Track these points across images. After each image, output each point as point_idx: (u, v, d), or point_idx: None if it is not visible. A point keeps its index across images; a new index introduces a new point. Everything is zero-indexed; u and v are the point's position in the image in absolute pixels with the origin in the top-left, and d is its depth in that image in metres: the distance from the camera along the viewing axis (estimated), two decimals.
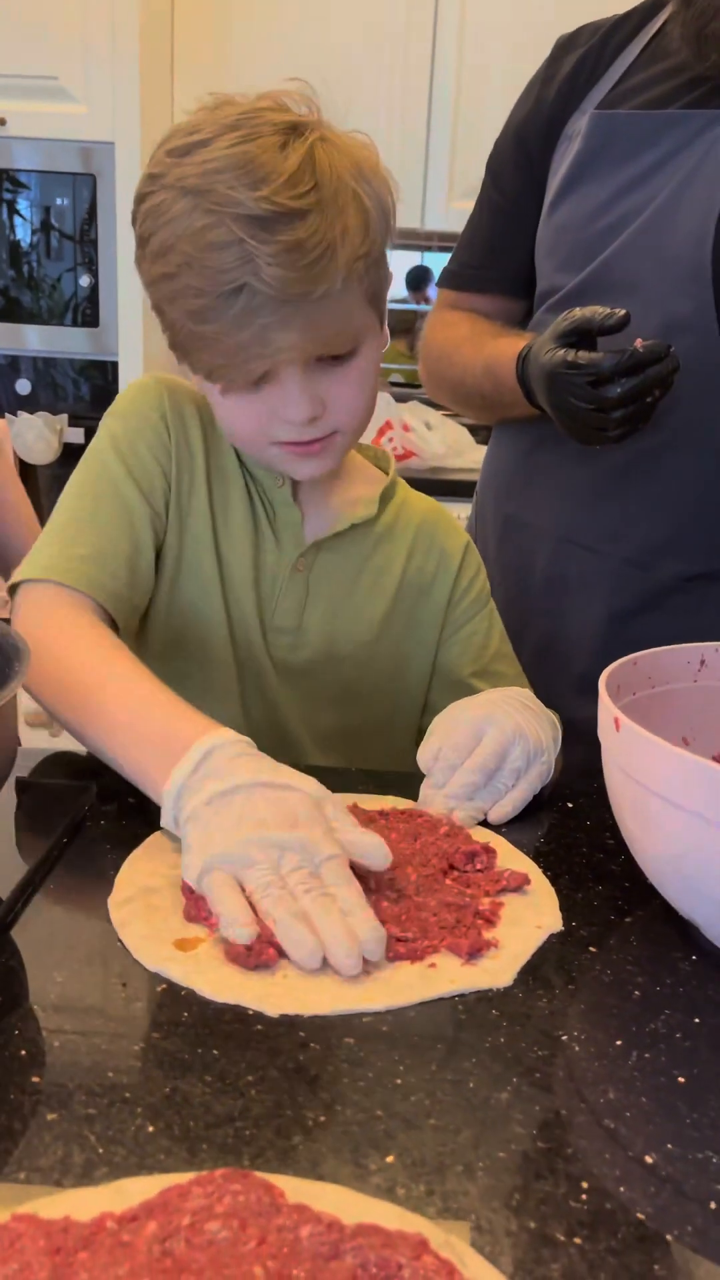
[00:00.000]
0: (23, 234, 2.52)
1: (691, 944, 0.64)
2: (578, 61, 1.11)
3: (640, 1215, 0.44)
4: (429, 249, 3.17)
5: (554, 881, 0.69)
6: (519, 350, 1.03)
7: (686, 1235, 0.43)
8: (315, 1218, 0.42)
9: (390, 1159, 0.46)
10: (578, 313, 0.95)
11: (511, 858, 0.71)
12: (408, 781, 0.80)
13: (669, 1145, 0.48)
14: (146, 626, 0.89)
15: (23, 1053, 0.51)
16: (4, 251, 2.52)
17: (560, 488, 1.13)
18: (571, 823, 0.79)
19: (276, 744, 0.77)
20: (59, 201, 2.42)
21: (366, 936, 0.57)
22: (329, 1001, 0.56)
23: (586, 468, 1.09)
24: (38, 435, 2.31)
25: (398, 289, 3.32)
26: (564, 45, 1.14)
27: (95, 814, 0.75)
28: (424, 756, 0.77)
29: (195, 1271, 0.39)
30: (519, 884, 0.67)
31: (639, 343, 0.90)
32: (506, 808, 0.76)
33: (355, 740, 0.93)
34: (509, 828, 0.76)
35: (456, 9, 2.32)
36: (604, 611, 1.10)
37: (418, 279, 3.32)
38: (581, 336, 0.95)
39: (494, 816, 0.75)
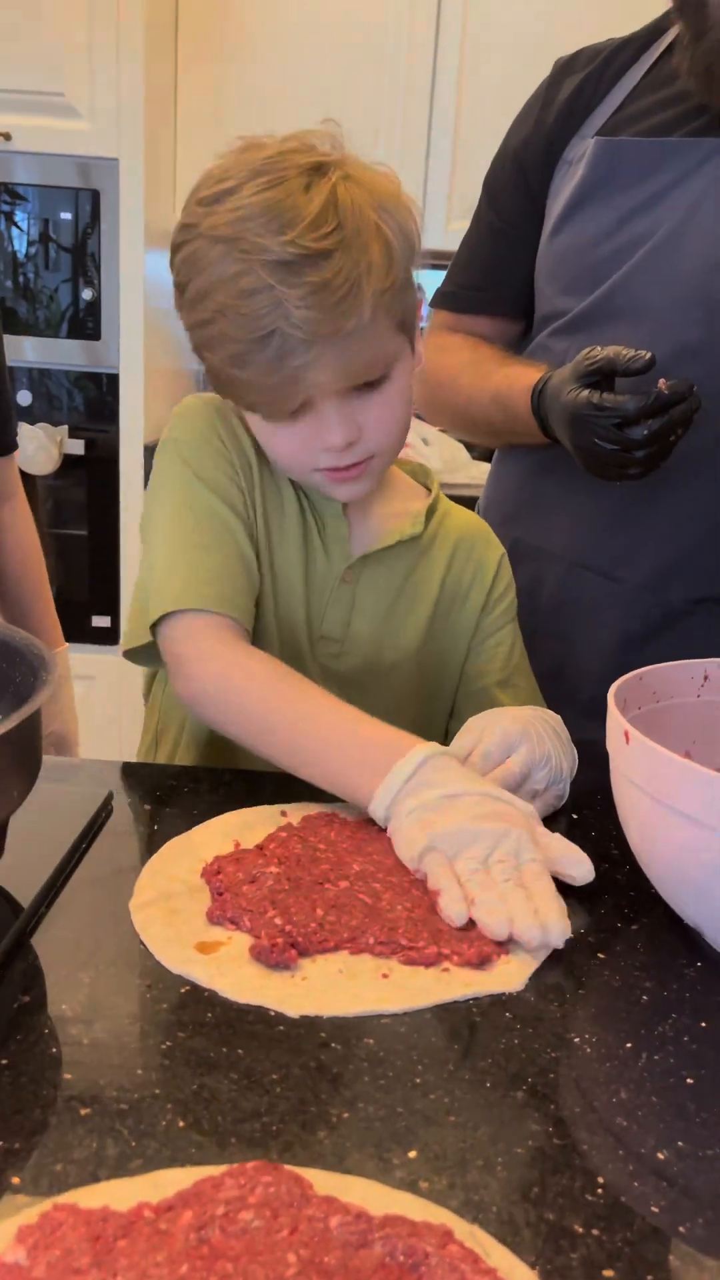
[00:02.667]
0: (23, 247, 2.54)
1: (696, 951, 0.66)
2: (578, 86, 1.12)
3: (654, 1209, 0.46)
4: (421, 267, 3.20)
5: (562, 891, 0.71)
6: (532, 383, 1.05)
7: (698, 1228, 0.45)
8: (344, 1209, 0.43)
9: (413, 1154, 0.48)
10: (599, 353, 0.96)
11: None
12: None
13: (679, 1143, 0.49)
14: None
15: (53, 1050, 0.53)
16: (6, 264, 2.54)
17: (570, 513, 1.15)
18: (577, 834, 0.80)
19: None
20: (62, 216, 2.44)
21: (552, 920, 0.63)
22: (348, 1003, 0.57)
23: (596, 494, 1.11)
24: (39, 446, 2.32)
25: None
26: (563, 69, 1.15)
27: (112, 821, 0.77)
28: (454, 753, 0.79)
29: (231, 1258, 0.40)
30: None
31: (662, 383, 0.92)
32: None
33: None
34: None
35: (457, 31, 2.36)
36: (614, 636, 1.12)
37: None
38: (603, 377, 0.97)
39: None
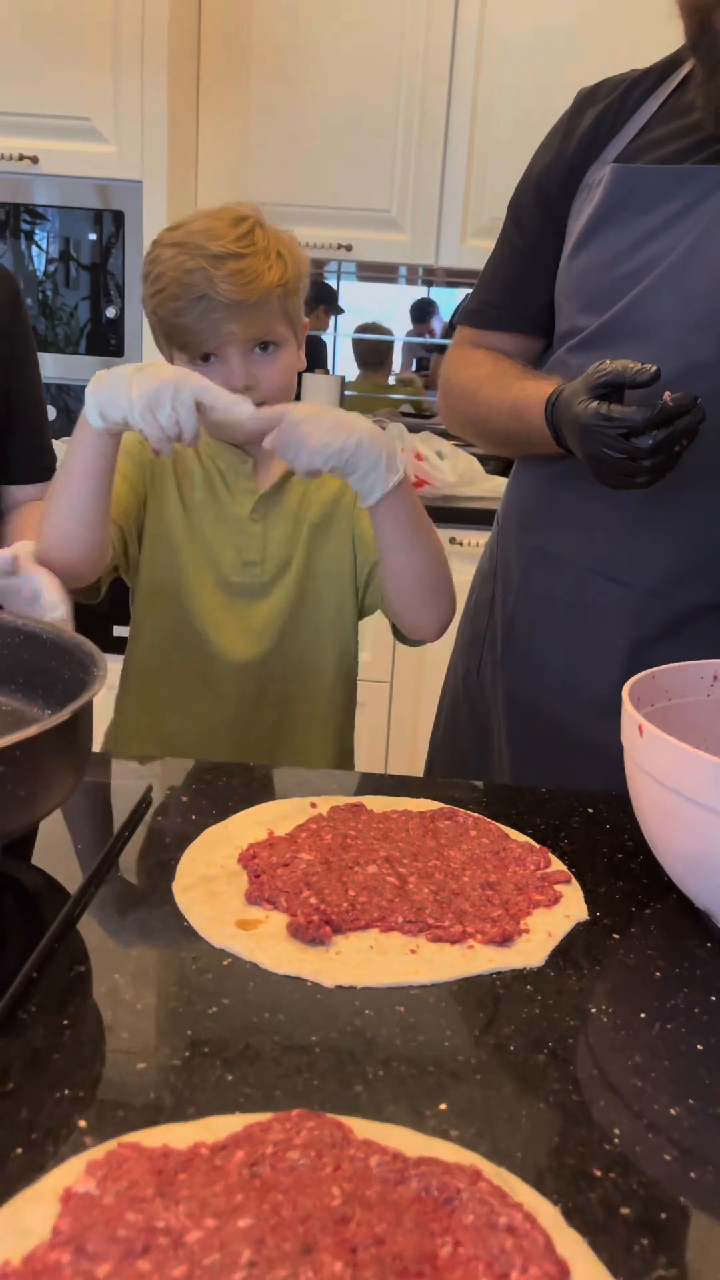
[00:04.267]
0: (50, 266, 2.60)
1: (706, 933, 0.70)
2: (598, 115, 1.18)
3: (666, 1157, 0.49)
4: (433, 284, 3.26)
5: (579, 878, 0.75)
6: (547, 395, 1.10)
7: (707, 1174, 0.49)
8: (381, 1150, 0.47)
9: (443, 1107, 0.52)
10: (608, 366, 1.01)
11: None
12: (409, 786, 0.86)
13: (690, 1101, 0.53)
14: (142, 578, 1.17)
15: (108, 1014, 0.57)
16: (27, 282, 2.61)
17: (584, 521, 1.19)
18: (593, 827, 0.85)
19: (252, 639, 1.12)
20: (89, 236, 2.51)
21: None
22: (379, 975, 0.61)
23: (609, 503, 1.15)
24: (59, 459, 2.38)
25: (404, 322, 3.41)
26: (585, 99, 1.21)
27: (151, 812, 0.81)
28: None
29: (281, 1190, 0.45)
30: (565, 880, 0.73)
31: (667, 396, 0.96)
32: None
33: (312, 629, 1.18)
34: (534, 830, 0.82)
35: (471, 55, 2.42)
36: (626, 640, 1.16)
37: (422, 311, 3.41)
38: (612, 389, 1.01)
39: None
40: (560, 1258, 0.42)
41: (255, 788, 0.87)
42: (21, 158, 2.40)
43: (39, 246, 2.61)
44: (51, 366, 2.60)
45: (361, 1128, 0.49)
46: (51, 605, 0.91)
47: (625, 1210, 0.46)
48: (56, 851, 0.75)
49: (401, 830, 0.78)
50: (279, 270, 1.07)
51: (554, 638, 1.21)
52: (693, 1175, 0.48)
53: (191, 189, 2.56)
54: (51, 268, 2.59)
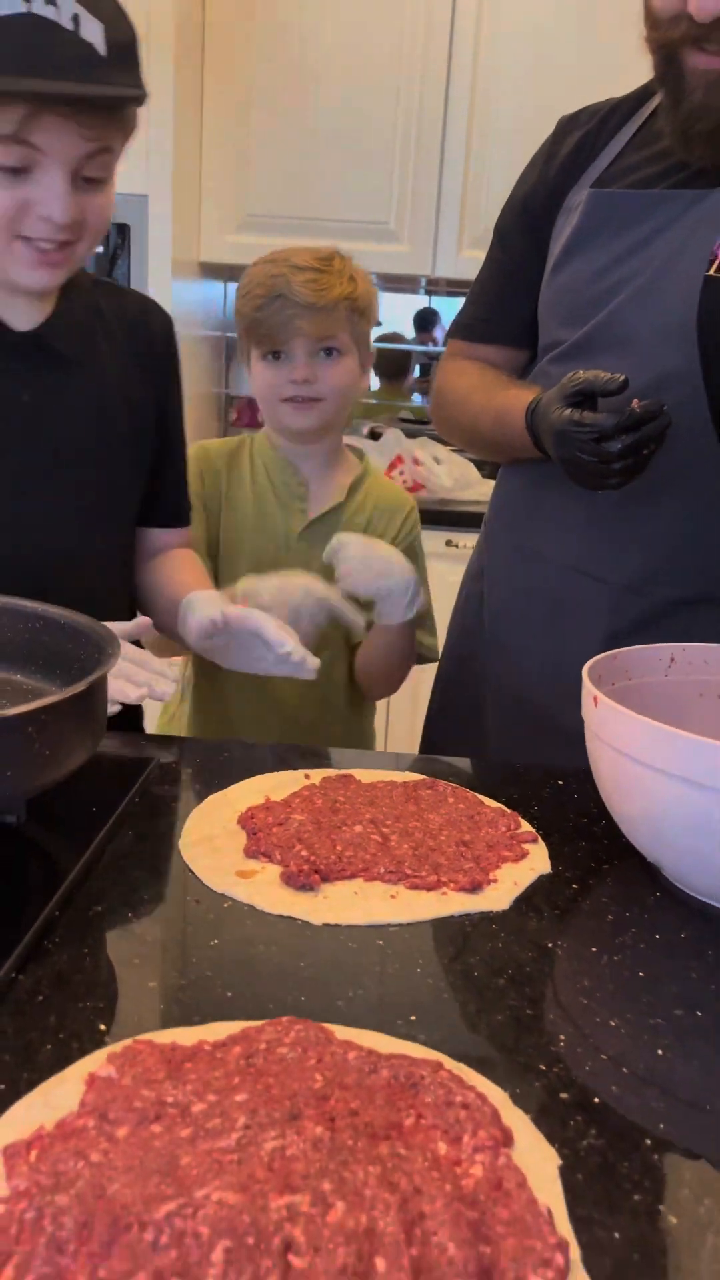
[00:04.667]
0: None
1: (657, 885, 0.78)
2: (577, 142, 1.27)
3: (604, 1057, 0.58)
4: (436, 293, 3.35)
5: (545, 839, 0.83)
6: (527, 403, 1.18)
7: (638, 1069, 0.57)
8: (358, 1047, 0.56)
9: (413, 1018, 0.60)
10: (582, 375, 1.09)
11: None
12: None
13: (628, 1015, 0.61)
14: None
15: (124, 943, 0.65)
16: None
17: (564, 521, 1.27)
18: (562, 797, 0.93)
19: None
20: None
21: None
22: (362, 915, 0.70)
23: (588, 504, 1.23)
24: None
25: (407, 330, 3.50)
26: (566, 125, 1.30)
27: (158, 783, 0.89)
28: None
29: (272, 1075, 0.53)
30: (533, 840, 0.81)
31: (636, 403, 1.05)
32: None
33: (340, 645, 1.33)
34: (508, 799, 0.90)
35: (467, 72, 2.50)
36: (602, 633, 1.24)
37: (424, 320, 3.50)
38: (585, 397, 1.09)
39: None
40: (505, 1126, 0.51)
41: (254, 763, 0.95)
42: None
43: None
44: None
45: (342, 1032, 0.57)
46: (279, 643, 0.97)
47: (564, 1095, 0.54)
48: (74, 816, 0.83)
49: (386, 797, 0.86)
50: (349, 288, 1.27)
51: (536, 630, 1.29)
52: (624, 1071, 0.57)
53: (195, 203, 2.65)
54: None
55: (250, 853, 0.76)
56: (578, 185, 1.26)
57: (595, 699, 0.76)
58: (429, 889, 0.73)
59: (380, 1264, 0.42)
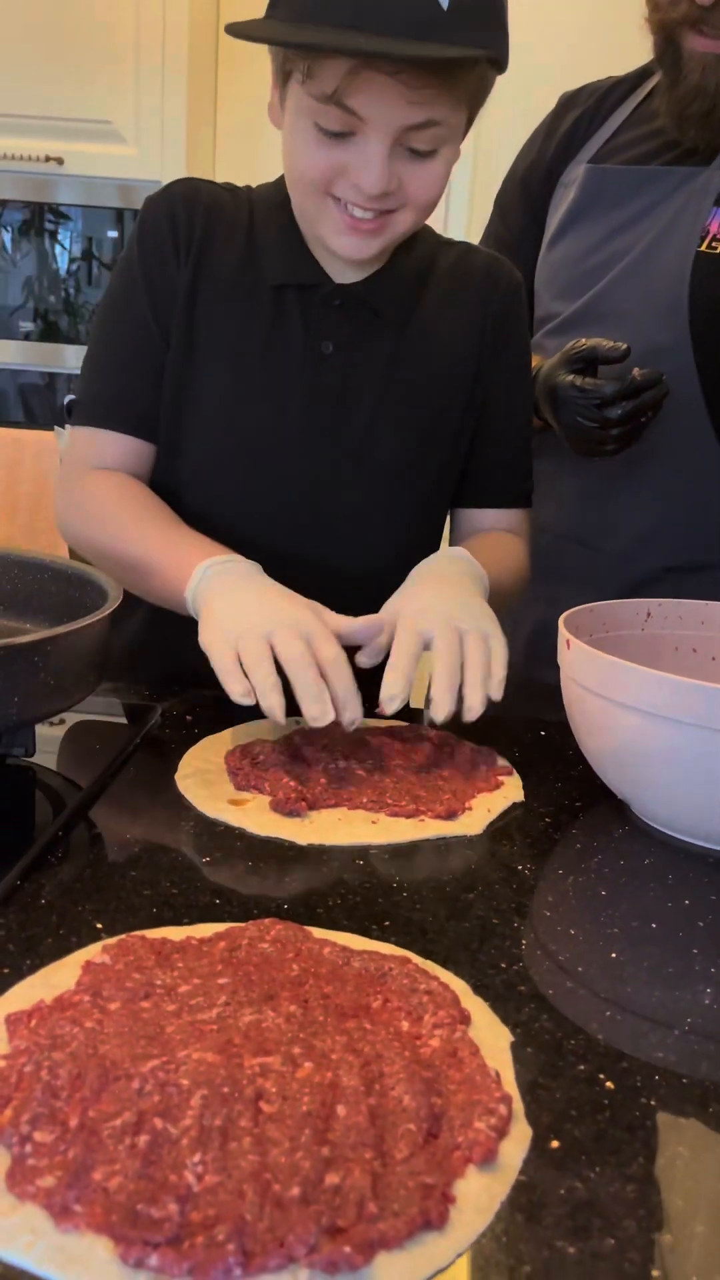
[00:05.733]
0: (72, 265, 2.74)
1: (625, 820, 0.82)
2: (576, 119, 1.30)
3: (560, 958, 0.62)
4: None
5: (523, 778, 0.88)
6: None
7: (591, 970, 0.61)
8: (333, 944, 0.60)
9: (387, 924, 0.65)
10: (584, 343, 1.13)
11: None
12: None
13: (587, 924, 0.66)
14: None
15: (120, 860, 0.70)
16: (50, 279, 2.75)
17: (557, 491, 1.32)
18: (543, 744, 0.97)
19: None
20: (110, 234, 2.65)
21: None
22: (345, 837, 0.75)
23: (580, 475, 1.27)
24: None
25: None
26: (566, 103, 1.33)
27: (159, 728, 0.94)
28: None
29: (253, 965, 0.58)
30: (508, 773, 0.86)
31: (636, 371, 1.08)
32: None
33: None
34: (491, 745, 0.94)
35: None
36: (594, 599, 1.28)
37: None
38: (586, 364, 1.13)
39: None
40: (464, 1009, 0.55)
41: (249, 711, 1.00)
42: (48, 159, 2.55)
43: (62, 245, 2.76)
44: (73, 358, 2.74)
45: (319, 933, 0.62)
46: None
47: (521, 988, 0.59)
48: (80, 756, 0.88)
49: (372, 738, 0.91)
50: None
51: (530, 598, 1.33)
52: (579, 969, 0.61)
53: None
54: (74, 266, 2.73)
55: (240, 785, 0.81)
56: (574, 161, 1.30)
57: (568, 642, 0.80)
58: (408, 816, 0.78)
59: (341, 1110, 0.47)
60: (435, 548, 1.18)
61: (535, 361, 1.23)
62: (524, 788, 0.86)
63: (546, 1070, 0.52)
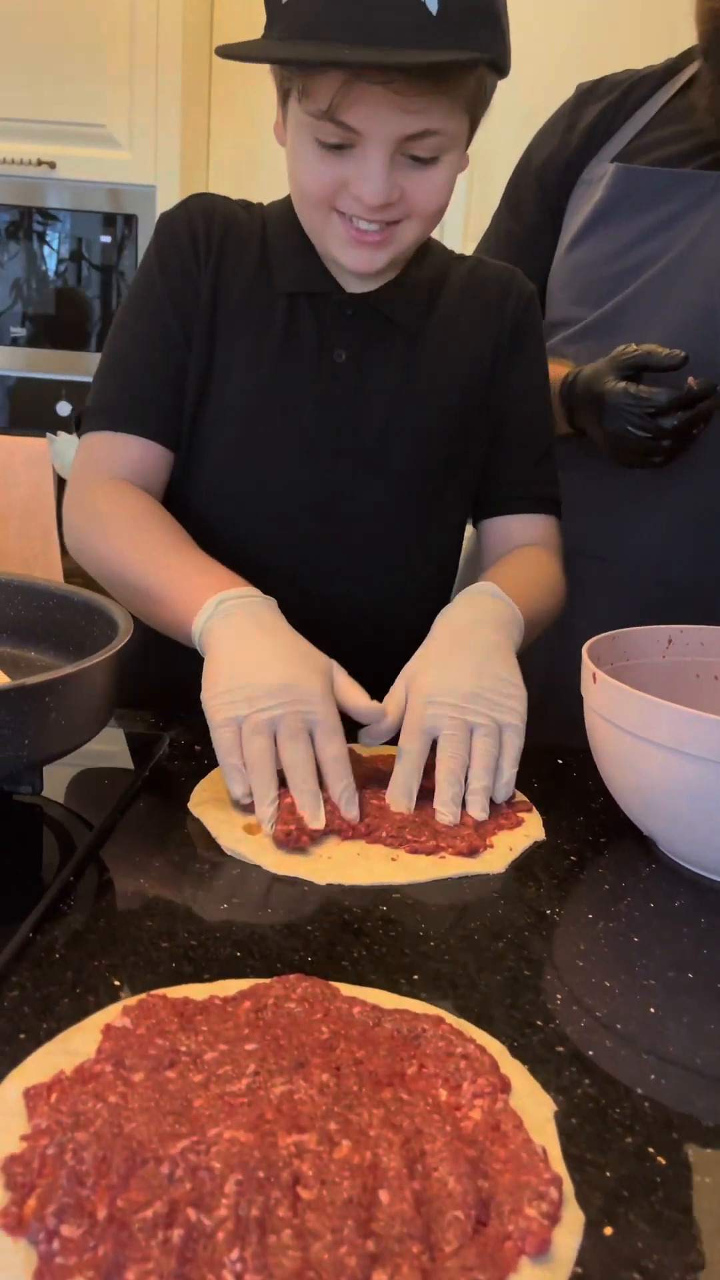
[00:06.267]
0: (60, 266, 2.71)
1: (652, 857, 0.80)
2: (599, 113, 1.24)
3: (598, 1014, 0.60)
4: None
5: (544, 815, 0.85)
6: (561, 375, 1.16)
7: (630, 1026, 0.59)
8: (363, 1003, 0.58)
9: (416, 977, 0.62)
10: (635, 349, 1.08)
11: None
12: None
13: (621, 977, 0.64)
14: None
15: (135, 908, 0.67)
16: (39, 283, 2.71)
17: (569, 504, 1.28)
18: (560, 774, 0.95)
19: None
20: (102, 239, 2.62)
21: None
22: (364, 876, 0.72)
23: (593, 487, 1.24)
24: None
25: None
26: (585, 95, 1.27)
27: (168, 757, 0.92)
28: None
29: (281, 1028, 0.55)
30: (528, 809, 0.84)
31: (691, 380, 1.05)
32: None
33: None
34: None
35: None
36: (606, 615, 1.25)
37: None
38: (636, 371, 1.08)
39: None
40: (503, 1074, 0.53)
41: None
42: (40, 163, 2.52)
43: (50, 247, 2.72)
44: (63, 364, 2.71)
45: (347, 989, 0.59)
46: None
47: (560, 1048, 0.56)
48: (89, 791, 0.85)
49: (387, 769, 0.88)
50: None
51: None
52: (618, 1027, 0.59)
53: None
54: (62, 267, 2.70)
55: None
56: (597, 158, 1.24)
57: (594, 675, 0.78)
58: (428, 853, 0.76)
59: (385, 1196, 0.44)
60: (452, 563, 1.16)
61: (566, 365, 1.19)
62: (545, 822, 0.84)
63: (594, 1144, 0.50)
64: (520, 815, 0.83)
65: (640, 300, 1.18)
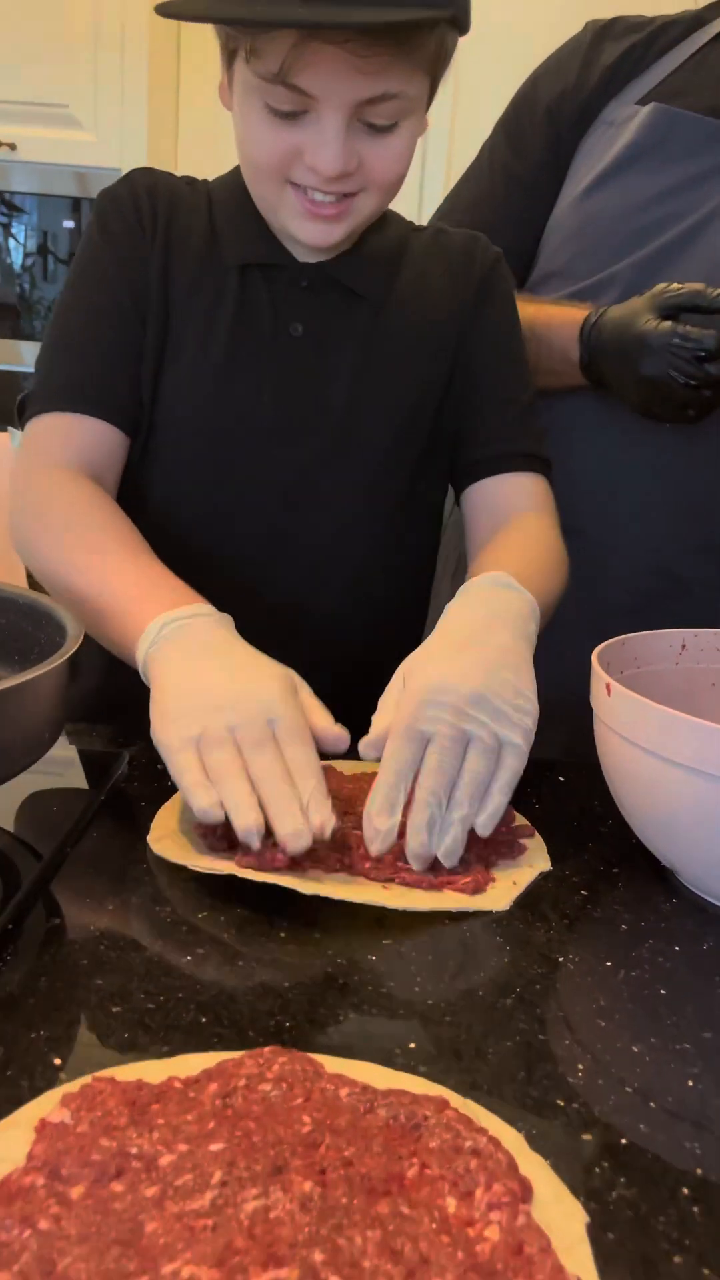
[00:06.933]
0: (27, 260, 2.60)
1: (671, 890, 0.71)
2: (624, 51, 1.13)
3: (628, 1089, 0.51)
4: None
5: (548, 840, 0.76)
6: (575, 316, 1.05)
7: (667, 1103, 0.50)
8: (351, 1082, 0.49)
9: (412, 1045, 0.53)
10: (679, 287, 0.97)
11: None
12: None
13: (651, 1039, 0.55)
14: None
15: (84, 961, 0.58)
16: (11, 276, 2.60)
17: (564, 473, 1.16)
18: (563, 793, 0.86)
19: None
20: (66, 225, 2.51)
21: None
22: (352, 894, 0.64)
23: (592, 456, 1.12)
24: None
25: None
26: (601, 32, 1.16)
27: (126, 780, 0.82)
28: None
29: (253, 1118, 0.46)
30: (530, 834, 0.75)
31: None
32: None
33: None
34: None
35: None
36: (602, 604, 1.13)
37: None
38: (676, 313, 0.97)
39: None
40: (523, 1177, 0.44)
41: None
42: (0, 144, 2.41)
43: (16, 240, 2.62)
44: (28, 354, 2.60)
45: (332, 1064, 0.50)
46: None
47: (587, 1136, 0.47)
48: (36, 819, 0.75)
49: (370, 789, 0.79)
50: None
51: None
52: (652, 1105, 0.50)
53: None
54: (29, 261, 2.59)
55: (216, 848, 0.69)
56: (618, 99, 1.13)
57: (608, 686, 0.69)
58: (427, 889, 0.67)
59: None
60: (430, 566, 1.08)
61: (578, 305, 1.06)
62: (550, 849, 0.75)
63: (638, 1269, 0.41)
64: (523, 842, 0.74)
65: (665, 259, 1.07)
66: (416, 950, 0.61)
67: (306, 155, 0.80)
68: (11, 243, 2.64)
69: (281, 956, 0.60)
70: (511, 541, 0.92)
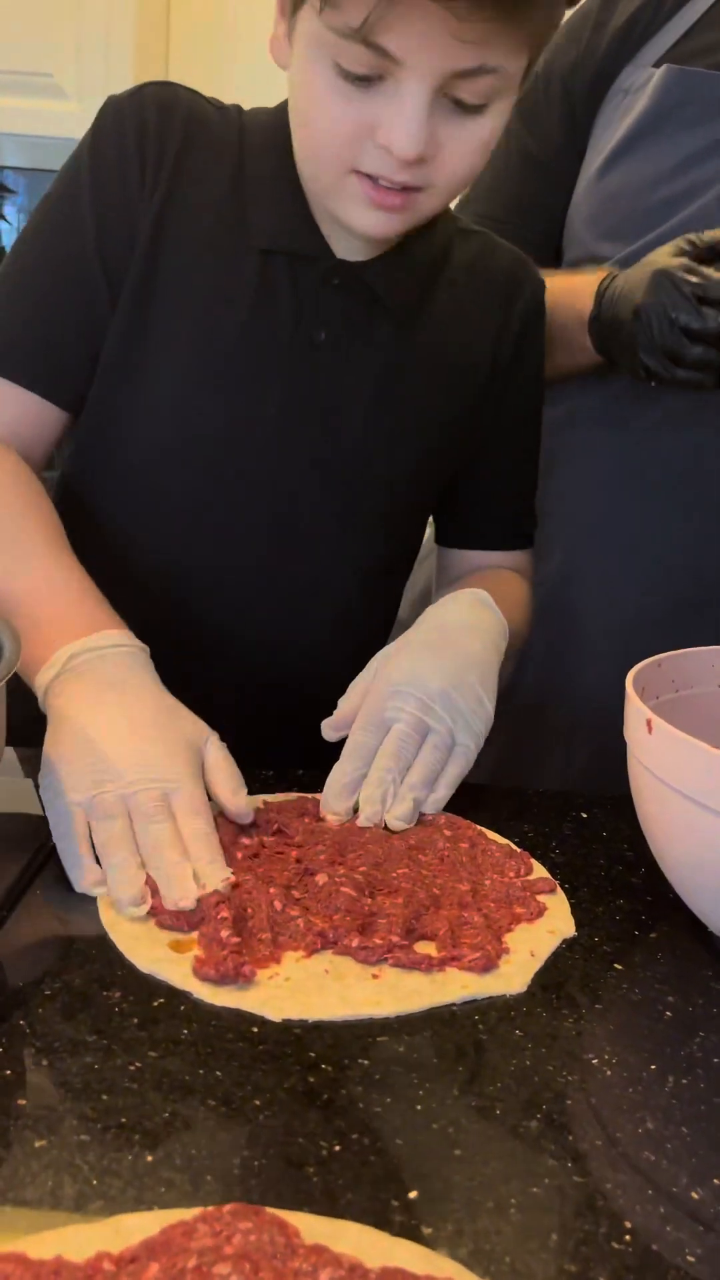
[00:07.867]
0: (9, 240, 2.49)
1: (718, 958, 0.60)
2: (635, 11, 1.02)
3: (690, 1258, 0.40)
4: None
5: (571, 895, 0.65)
6: (589, 280, 0.94)
7: None
8: (335, 1260, 0.37)
9: (413, 1194, 0.42)
10: (708, 233, 0.87)
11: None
12: None
13: (715, 1180, 0.44)
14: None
15: (8, 1073, 0.46)
16: None
17: (588, 472, 1.05)
18: (587, 834, 0.75)
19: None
20: None
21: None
22: (335, 1006, 0.52)
23: (623, 452, 1.02)
24: None
25: None
26: None
27: None
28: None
29: None
30: (550, 890, 0.64)
31: None
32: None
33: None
34: (520, 838, 0.72)
35: None
36: (629, 616, 1.04)
37: None
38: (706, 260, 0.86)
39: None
40: None
41: None
42: None
43: (8, 221, 2.51)
44: None
45: (310, 1227, 0.39)
46: None
47: None
48: None
49: (360, 832, 0.68)
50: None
51: (540, 607, 1.08)
52: None
53: None
54: (15, 235, 2.48)
55: (167, 925, 0.57)
56: (633, 64, 1.02)
57: (649, 723, 0.58)
58: (425, 970, 0.55)
59: None
60: (406, 574, 0.99)
61: (585, 278, 0.96)
62: (573, 905, 0.64)
63: None
64: (541, 901, 0.63)
65: (689, 231, 0.95)
66: (417, 1052, 0.50)
67: (380, 132, 0.66)
68: (3, 225, 2.53)
69: (252, 1063, 0.48)
70: (488, 581, 0.89)
